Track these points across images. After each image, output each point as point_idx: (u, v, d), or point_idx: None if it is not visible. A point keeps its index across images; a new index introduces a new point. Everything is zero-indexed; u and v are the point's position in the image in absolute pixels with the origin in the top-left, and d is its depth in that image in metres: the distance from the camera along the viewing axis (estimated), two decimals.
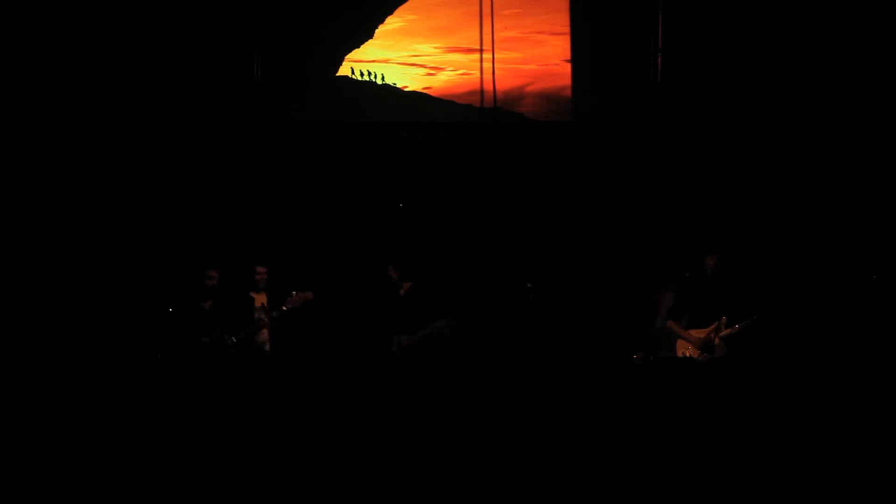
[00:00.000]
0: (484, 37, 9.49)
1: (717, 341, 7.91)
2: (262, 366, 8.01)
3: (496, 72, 9.53)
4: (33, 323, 8.41)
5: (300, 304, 8.06)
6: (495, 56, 9.51)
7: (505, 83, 9.69)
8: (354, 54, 9.72)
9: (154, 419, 7.44)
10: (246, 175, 9.26)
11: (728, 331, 7.90)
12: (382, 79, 9.77)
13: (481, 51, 9.54)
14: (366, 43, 9.73)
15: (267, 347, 8.16)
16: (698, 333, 7.98)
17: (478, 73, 9.57)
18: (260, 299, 8.21)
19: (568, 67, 9.80)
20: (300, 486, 6.81)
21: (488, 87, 9.55)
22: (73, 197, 8.88)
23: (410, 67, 9.83)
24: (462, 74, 9.77)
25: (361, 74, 9.74)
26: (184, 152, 9.12)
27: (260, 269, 8.26)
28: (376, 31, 9.73)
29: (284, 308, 8.04)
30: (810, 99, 9.14)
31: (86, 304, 8.60)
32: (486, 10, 9.43)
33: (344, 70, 9.72)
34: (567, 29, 9.77)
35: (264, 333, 8.14)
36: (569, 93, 9.81)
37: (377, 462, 7.07)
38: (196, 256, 8.49)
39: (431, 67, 9.83)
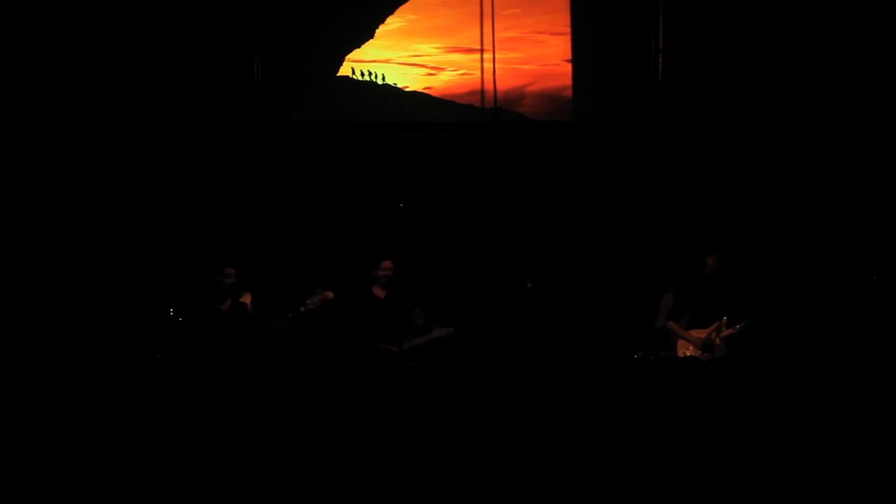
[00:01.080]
0: (484, 37, 9.49)
1: (717, 341, 7.91)
2: (271, 368, 7.90)
3: (496, 72, 9.53)
4: (34, 323, 8.40)
5: (319, 304, 7.85)
6: (496, 56, 9.51)
7: (505, 83, 9.70)
8: (355, 54, 9.71)
9: (161, 423, 7.40)
10: (246, 175, 9.25)
11: (729, 331, 7.91)
12: (383, 79, 9.76)
13: (482, 51, 9.53)
14: (366, 43, 9.72)
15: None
16: (699, 333, 7.98)
17: (478, 73, 9.57)
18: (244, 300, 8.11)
19: (568, 67, 9.80)
20: (301, 487, 6.81)
21: (489, 87, 9.54)
22: (73, 196, 8.87)
23: (411, 67, 9.83)
24: (462, 74, 9.77)
25: (362, 74, 9.74)
26: (184, 152, 9.11)
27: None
28: (377, 31, 9.73)
29: (303, 309, 7.80)
30: (811, 98, 9.14)
31: (86, 305, 8.58)
32: (487, 10, 9.43)
33: (344, 70, 9.71)
34: (567, 29, 9.77)
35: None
36: (569, 93, 9.81)
37: (377, 463, 7.06)
38: (195, 256, 8.48)
39: (432, 67, 9.83)
